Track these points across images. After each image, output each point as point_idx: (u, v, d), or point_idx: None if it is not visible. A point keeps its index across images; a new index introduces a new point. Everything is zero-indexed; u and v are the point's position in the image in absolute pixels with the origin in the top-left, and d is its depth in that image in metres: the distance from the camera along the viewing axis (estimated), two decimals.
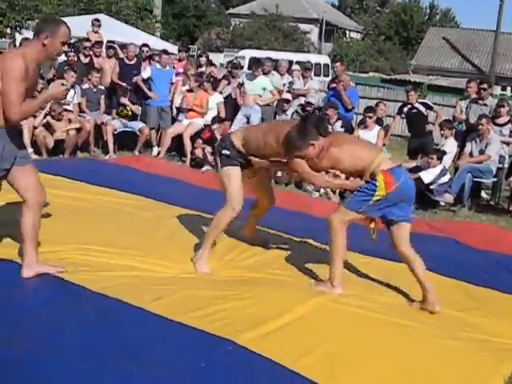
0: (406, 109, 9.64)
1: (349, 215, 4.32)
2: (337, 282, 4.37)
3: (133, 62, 10.37)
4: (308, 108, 9.56)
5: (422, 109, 9.57)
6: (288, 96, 10.14)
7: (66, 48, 4.04)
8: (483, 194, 9.09)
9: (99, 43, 11.31)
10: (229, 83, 10.72)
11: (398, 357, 3.54)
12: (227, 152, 4.65)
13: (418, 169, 8.10)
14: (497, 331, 4.10)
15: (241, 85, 10.17)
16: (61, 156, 8.93)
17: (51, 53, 3.92)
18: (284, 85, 10.68)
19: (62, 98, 4.14)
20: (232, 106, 10.31)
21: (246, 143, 4.62)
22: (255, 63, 10.40)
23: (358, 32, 47.22)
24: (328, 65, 24.53)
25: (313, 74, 12.63)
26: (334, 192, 7.90)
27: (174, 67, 10.73)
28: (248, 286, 4.31)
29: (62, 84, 3.96)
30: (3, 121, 3.77)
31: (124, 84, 10.06)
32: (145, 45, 11.81)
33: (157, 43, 17.37)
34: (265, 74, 10.13)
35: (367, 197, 4.25)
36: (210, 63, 11.72)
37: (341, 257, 4.39)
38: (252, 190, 5.14)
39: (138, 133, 9.82)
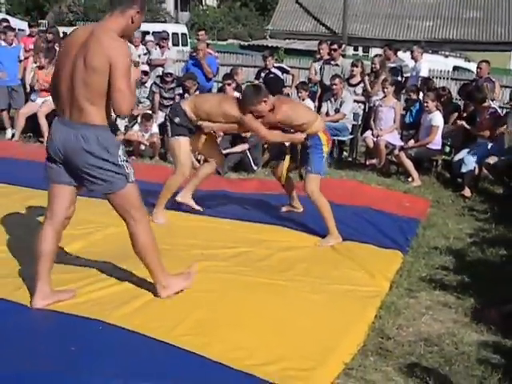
0: (263, 74, 9.76)
1: (318, 179, 5.15)
2: (335, 233, 5.10)
3: None
4: (167, 79, 9.39)
5: (279, 73, 9.74)
6: (145, 68, 9.92)
7: None
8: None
9: None
10: None
11: (268, 316, 3.64)
12: (178, 120, 5.16)
13: None
14: (360, 281, 4.32)
15: None
16: None
17: (134, 30, 3.39)
18: (139, 56, 10.43)
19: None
20: None
21: (197, 111, 5.15)
22: None
23: None
24: (186, 34, 24.29)
25: (171, 43, 12.45)
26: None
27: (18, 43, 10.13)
28: (114, 264, 4.20)
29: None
30: (101, 117, 3.20)
31: None
32: None
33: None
34: None
35: (320, 156, 5.09)
36: (59, 37, 11.18)
37: (330, 212, 5.09)
38: (201, 153, 6.10)
39: None
